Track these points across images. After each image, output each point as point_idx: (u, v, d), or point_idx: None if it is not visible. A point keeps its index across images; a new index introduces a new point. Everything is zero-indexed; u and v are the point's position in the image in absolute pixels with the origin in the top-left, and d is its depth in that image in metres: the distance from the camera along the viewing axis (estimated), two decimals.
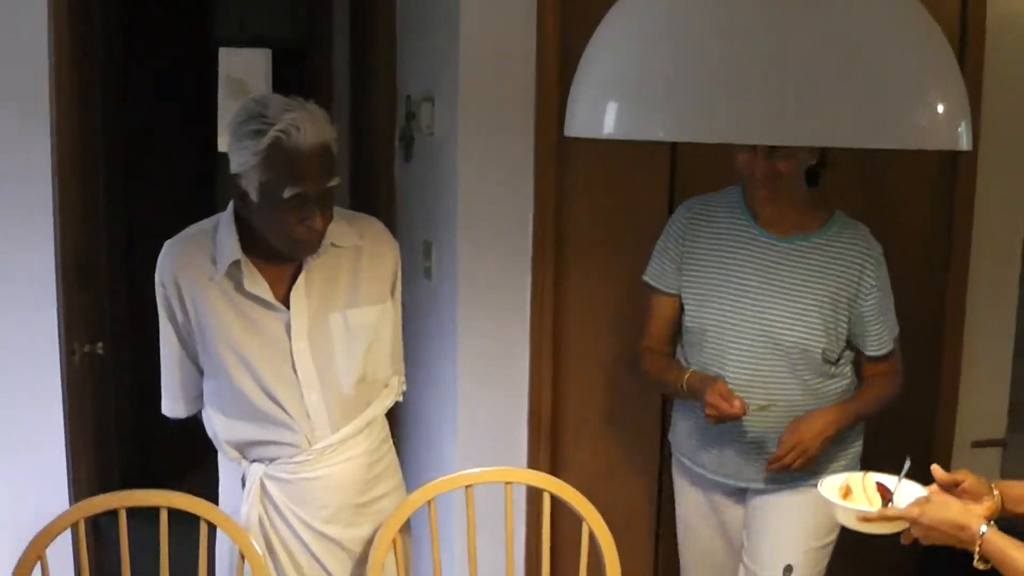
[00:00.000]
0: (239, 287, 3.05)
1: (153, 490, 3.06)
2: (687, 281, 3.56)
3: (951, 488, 2.70)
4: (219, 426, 3.18)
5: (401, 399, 3.39)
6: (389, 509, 3.24)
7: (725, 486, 3.58)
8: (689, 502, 3.74)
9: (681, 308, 3.60)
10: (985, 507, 2.67)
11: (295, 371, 3.08)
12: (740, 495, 3.61)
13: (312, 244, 3.01)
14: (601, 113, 2.03)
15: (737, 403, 3.30)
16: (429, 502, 3.21)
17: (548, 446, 4.30)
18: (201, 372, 3.20)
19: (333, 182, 2.94)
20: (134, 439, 6.26)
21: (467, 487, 3.22)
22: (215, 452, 3.31)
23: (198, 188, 7.19)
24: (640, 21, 2.06)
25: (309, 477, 3.14)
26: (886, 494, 2.79)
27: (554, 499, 3.26)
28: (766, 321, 3.42)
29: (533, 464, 4.21)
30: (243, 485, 3.18)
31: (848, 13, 1.91)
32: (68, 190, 4.02)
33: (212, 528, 3.07)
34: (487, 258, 4.17)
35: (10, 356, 4.02)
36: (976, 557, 2.53)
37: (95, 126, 5.00)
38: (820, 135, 1.91)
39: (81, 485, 4.17)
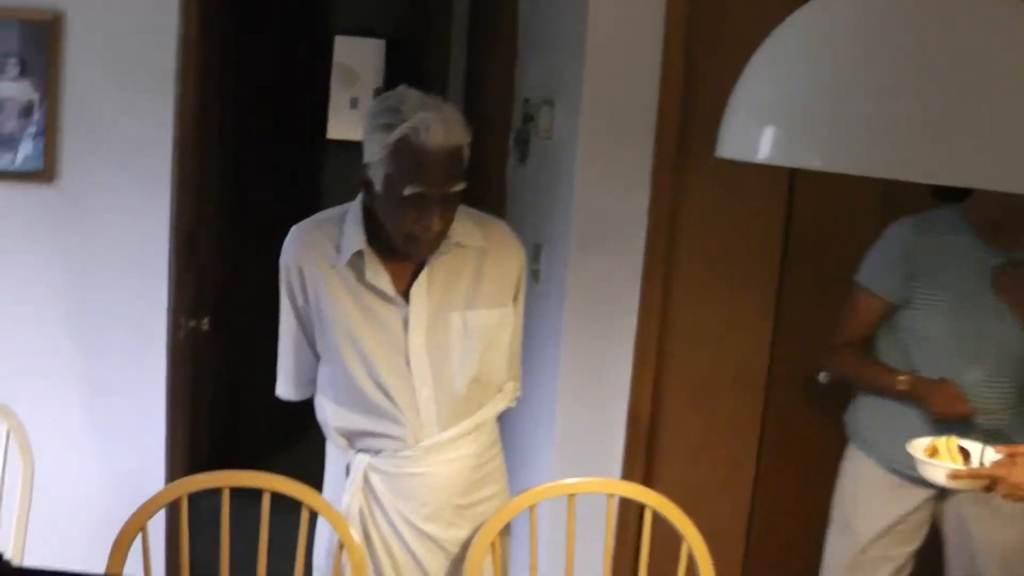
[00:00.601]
0: (360, 277, 3.04)
1: (256, 472, 3.05)
2: (920, 292, 3.64)
3: (1013, 456, 3.02)
4: (330, 413, 3.18)
5: (514, 405, 3.34)
6: (490, 512, 3.21)
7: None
8: (869, 483, 3.83)
9: (890, 313, 3.72)
10: None
11: (409, 366, 3.06)
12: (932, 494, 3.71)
13: (427, 245, 2.98)
14: (756, 137, 1.98)
15: (967, 405, 3.49)
16: (531, 508, 3.18)
17: (643, 457, 4.27)
18: (317, 358, 3.20)
19: (457, 186, 2.91)
20: (224, 415, 6.30)
21: (570, 496, 3.19)
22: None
23: (305, 171, 7.22)
24: (804, 43, 2.00)
25: (413, 473, 3.12)
26: (967, 457, 3.13)
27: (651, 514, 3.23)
28: (996, 331, 3.56)
29: (628, 475, 4.17)
30: (347, 474, 3.18)
31: None
32: (185, 163, 4.05)
33: (311, 514, 3.07)
34: (598, 265, 4.14)
35: (121, 326, 4.07)
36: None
37: (212, 102, 5.04)
38: (1000, 178, 1.84)
39: (175, 459, 4.20)
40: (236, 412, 6.36)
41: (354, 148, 8.57)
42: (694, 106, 4.13)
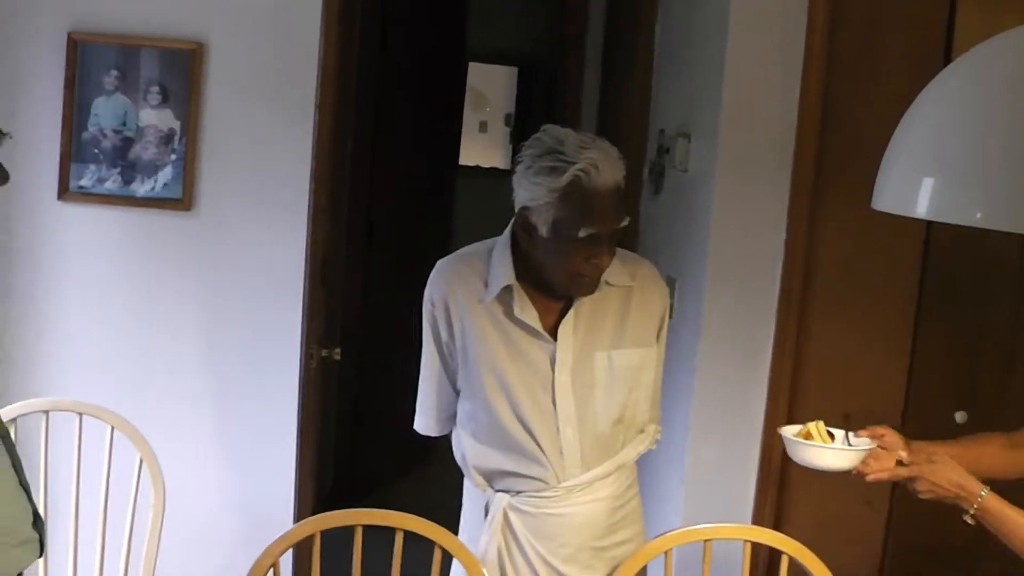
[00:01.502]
0: (508, 312, 3.03)
1: (389, 511, 3.05)
2: None
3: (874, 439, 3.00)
4: (469, 450, 3.16)
5: (655, 448, 3.32)
6: (627, 556, 3.17)
7: None
8: None
9: None
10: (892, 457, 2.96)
11: (554, 404, 3.04)
12: None
13: (594, 284, 2.99)
14: (915, 191, 1.92)
15: None
16: (667, 552, 3.13)
17: (775, 495, 4.19)
18: (457, 393, 3.19)
19: (624, 223, 2.92)
20: (348, 442, 6.33)
21: (705, 541, 3.14)
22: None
23: (437, 197, 7.25)
24: (964, 96, 1.95)
25: (554, 513, 3.10)
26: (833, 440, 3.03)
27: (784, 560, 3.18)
28: None
29: (758, 512, 4.10)
30: (486, 513, 3.16)
31: None
32: (321, 193, 4.08)
33: (444, 553, 3.05)
34: (732, 301, 4.09)
35: (254, 354, 4.11)
36: (969, 513, 2.82)
37: (349, 131, 5.07)
38: None
39: (304, 488, 4.22)
40: (359, 439, 6.39)
41: (483, 174, 8.67)
42: (831, 143, 4.06)
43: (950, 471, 2.86)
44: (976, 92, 1.93)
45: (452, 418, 3.24)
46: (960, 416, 4.01)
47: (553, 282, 3.00)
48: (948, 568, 3.99)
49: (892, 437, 3.01)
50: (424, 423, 3.28)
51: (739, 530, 3.19)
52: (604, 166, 2.82)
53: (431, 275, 3.16)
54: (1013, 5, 4.07)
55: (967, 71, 2.00)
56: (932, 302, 4.12)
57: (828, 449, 2.95)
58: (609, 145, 2.91)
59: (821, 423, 3.04)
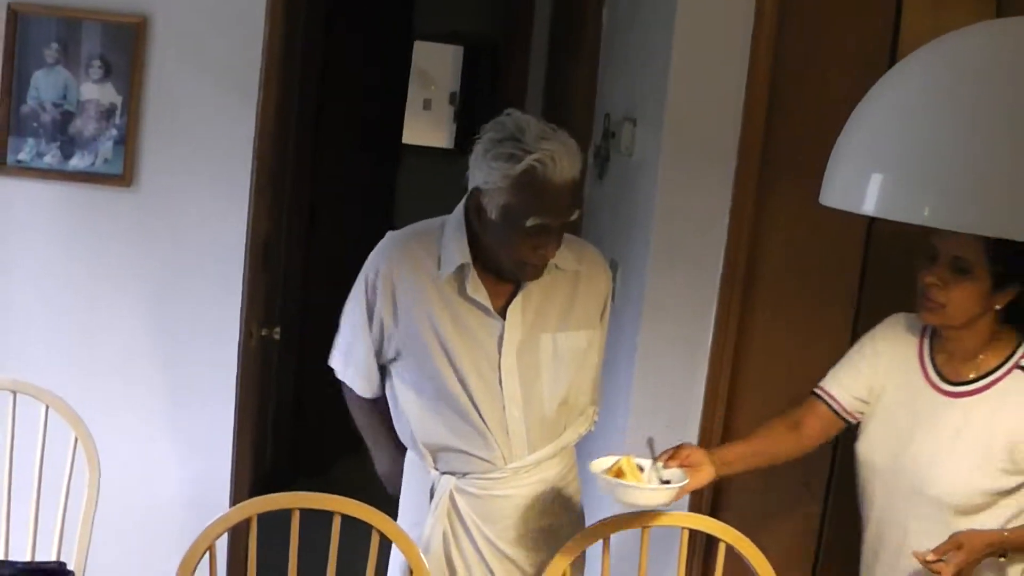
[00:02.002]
0: (460, 291, 3.05)
1: (328, 495, 3.03)
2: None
3: (675, 458, 3.04)
4: (417, 426, 3.16)
5: (593, 429, 3.35)
6: (568, 537, 3.17)
7: None
8: None
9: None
10: (704, 473, 3.07)
11: (500, 385, 3.06)
12: None
13: (538, 271, 3.01)
14: (863, 188, 1.93)
15: None
16: (605, 539, 3.13)
17: (713, 485, 4.20)
18: (379, 363, 3.20)
19: (574, 216, 2.93)
20: (288, 422, 6.30)
21: (644, 528, 3.14)
22: (362, 445, 3.33)
23: (379, 177, 7.21)
24: (912, 96, 1.95)
25: (500, 495, 3.13)
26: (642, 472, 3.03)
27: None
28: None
29: (695, 504, 4.11)
30: (430, 496, 3.17)
31: None
32: (263, 172, 4.04)
33: (382, 537, 3.04)
34: (675, 286, 4.10)
35: (193, 333, 4.07)
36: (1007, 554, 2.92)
37: (292, 110, 5.03)
38: None
39: (241, 466, 4.19)
40: (300, 419, 6.36)
41: (427, 153, 8.63)
42: (777, 132, 4.08)
43: (978, 540, 2.86)
44: (923, 91, 1.94)
45: (369, 380, 3.24)
46: None
47: (500, 265, 3.01)
48: None
49: (696, 455, 3.09)
50: (341, 365, 3.28)
51: (677, 517, 3.19)
52: (561, 159, 2.82)
53: (379, 245, 3.18)
54: (957, 4, 4.10)
55: (915, 70, 2.01)
56: (873, 292, 4.15)
57: (641, 489, 2.94)
58: (569, 138, 2.91)
59: (631, 457, 3.02)
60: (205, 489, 4.10)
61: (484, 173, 2.89)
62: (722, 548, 3.14)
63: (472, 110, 8.73)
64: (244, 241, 4.03)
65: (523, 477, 3.13)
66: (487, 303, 3.04)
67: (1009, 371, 3.01)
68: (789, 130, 4.09)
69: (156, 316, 4.06)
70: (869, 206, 1.91)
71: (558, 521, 3.23)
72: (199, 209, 4.01)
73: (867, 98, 2.06)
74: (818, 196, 3.98)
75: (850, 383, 3.22)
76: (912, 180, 1.86)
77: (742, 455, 3.23)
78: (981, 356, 3.04)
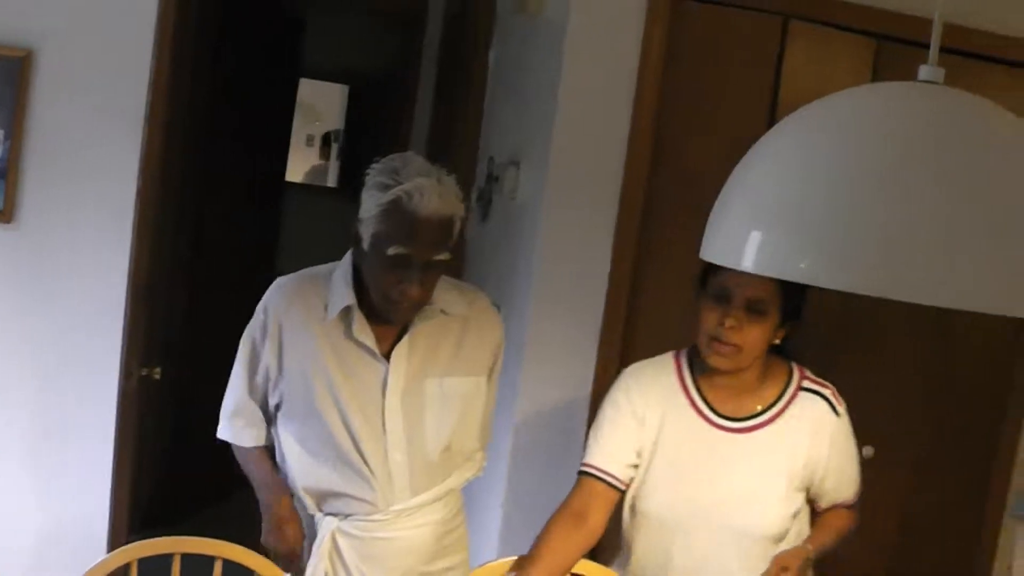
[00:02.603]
0: (347, 333, 3.07)
1: (208, 539, 3.03)
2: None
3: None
4: (299, 472, 3.16)
5: (481, 475, 3.36)
6: None
7: None
8: None
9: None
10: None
11: (384, 427, 3.07)
12: None
13: (403, 310, 3.01)
14: (742, 244, 1.98)
15: None
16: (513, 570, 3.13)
17: None
18: (265, 412, 3.21)
19: (441, 256, 2.94)
20: (166, 462, 6.23)
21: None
22: (242, 485, 3.31)
23: (263, 213, 7.19)
24: (791, 154, 2.01)
25: (382, 537, 3.13)
26: None
27: None
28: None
29: None
30: (313, 537, 3.17)
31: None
32: (147, 211, 4.02)
33: None
34: (556, 328, 4.15)
35: (72, 371, 4.01)
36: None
37: (177, 145, 5.00)
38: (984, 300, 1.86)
39: (119, 506, 4.14)
40: (177, 459, 6.29)
41: (311, 191, 8.57)
42: (661, 175, 4.15)
43: (795, 560, 2.99)
44: (799, 152, 2.00)
45: (255, 428, 3.25)
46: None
47: (374, 301, 3.03)
48: None
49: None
50: (228, 430, 3.28)
51: (581, 566, 3.20)
52: (431, 195, 2.87)
53: (270, 289, 3.19)
54: (836, 48, 4.21)
55: (791, 132, 2.07)
56: None
57: None
58: (452, 182, 2.96)
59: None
60: (82, 527, 4.04)
61: (363, 203, 2.95)
62: None
63: (357, 150, 8.75)
64: (126, 279, 3.99)
65: (405, 520, 3.14)
66: (373, 345, 3.06)
67: (794, 395, 3.13)
68: (673, 172, 4.17)
69: (33, 354, 3.98)
70: (748, 262, 1.95)
71: (443, 564, 3.25)
72: (81, 247, 3.94)
73: (746, 158, 2.11)
74: (699, 238, 4.11)
75: (619, 453, 3.13)
76: (789, 238, 1.92)
77: None
78: (761, 387, 3.12)
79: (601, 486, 3.12)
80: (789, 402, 3.12)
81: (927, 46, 2.08)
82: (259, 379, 3.18)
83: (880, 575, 4.60)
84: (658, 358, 3.23)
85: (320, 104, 9.01)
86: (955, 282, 1.84)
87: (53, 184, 3.93)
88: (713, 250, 2.10)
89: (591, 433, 3.20)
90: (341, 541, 3.13)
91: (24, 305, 3.96)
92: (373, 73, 8.25)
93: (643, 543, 3.16)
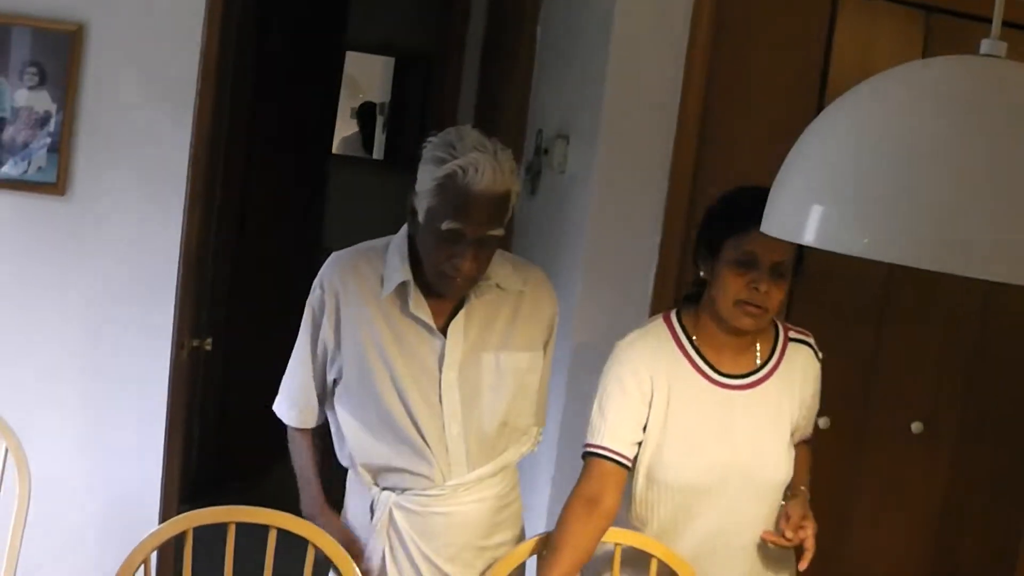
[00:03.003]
0: (403, 308, 3.07)
1: (263, 509, 3.04)
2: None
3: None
4: (356, 446, 3.17)
5: (536, 450, 3.36)
6: (506, 556, 3.21)
7: None
8: None
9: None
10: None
11: (440, 402, 3.08)
12: None
13: (456, 285, 3.00)
14: (803, 218, 1.97)
15: None
16: (539, 554, 3.16)
17: None
18: (323, 389, 3.22)
19: (494, 231, 2.93)
20: (215, 433, 6.27)
21: None
22: (287, 458, 3.32)
23: (308, 186, 7.21)
24: (853, 128, 2.01)
25: (438, 512, 3.13)
26: None
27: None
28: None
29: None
30: (371, 512, 3.18)
31: None
32: (198, 182, 4.03)
33: (317, 551, 3.05)
34: (605, 303, 4.14)
35: (124, 343, 4.04)
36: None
37: (225, 118, 5.02)
38: None
39: (171, 478, 4.17)
40: (225, 429, 6.33)
41: (357, 163, 8.58)
42: (710, 149, 4.14)
43: (803, 506, 3.16)
44: (859, 127, 1.99)
45: (312, 412, 3.26)
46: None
47: (428, 275, 3.03)
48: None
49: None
50: (287, 410, 3.29)
51: (609, 533, 3.21)
52: (486, 170, 2.85)
53: (326, 263, 3.19)
54: (885, 22, 4.18)
55: (858, 105, 2.06)
56: (800, 312, 4.21)
57: None
58: (508, 157, 2.94)
59: None
60: (136, 498, 4.07)
61: (420, 176, 2.95)
62: (654, 564, 3.17)
63: (403, 123, 8.76)
64: (177, 251, 4.01)
65: (462, 495, 3.14)
66: (429, 320, 3.06)
67: (784, 345, 3.25)
68: (721, 147, 4.16)
69: (87, 326, 4.02)
70: (809, 237, 1.95)
71: (498, 539, 3.25)
72: (132, 220, 3.97)
73: (806, 133, 2.10)
74: None
75: (627, 432, 3.14)
76: (851, 213, 1.91)
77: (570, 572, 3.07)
78: (755, 343, 3.20)
79: (612, 466, 3.12)
80: (782, 354, 3.23)
81: (977, 18, 2.08)
82: (319, 354, 3.18)
83: (925, 548, 4.59)
84: (649, 326, 3.27)
85: (366, 77, 9.01)
86: (1015, 257, 1.83)
87: (105, 158, 3.95)
88: (773, 224, 2.10)
89: (596, 413, 3.18)
90: (398, 516, 3.14)
91: (77, 278, 3.99)
92: (419, 46, 8.24)
93: (663, 512, 3.19)
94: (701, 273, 3.17)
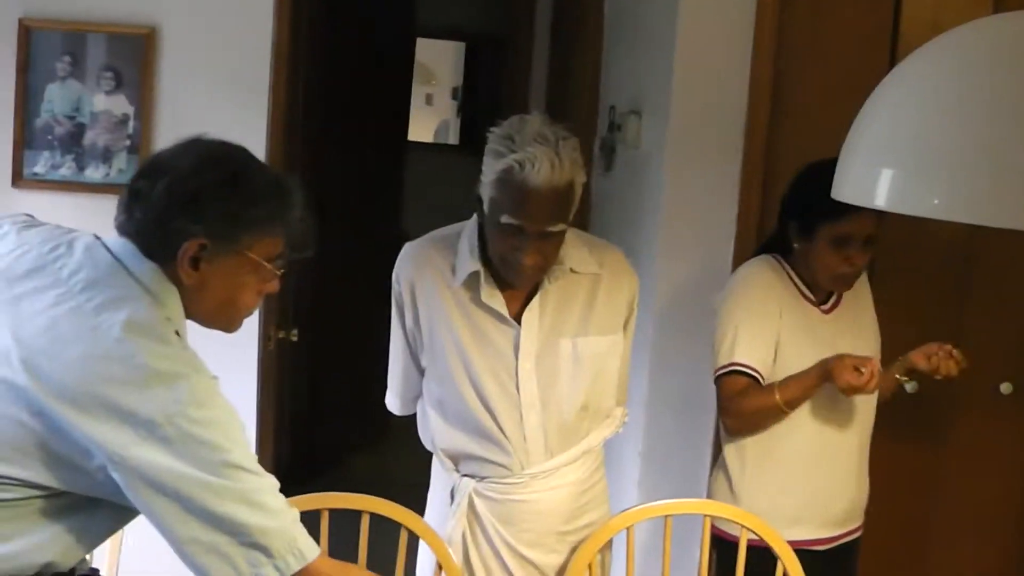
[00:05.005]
0: (475, 298, 3.03)
1: (355, 495, 3.06)
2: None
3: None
4: (437, 433, 3.17)
5: (621, 431, 3.32)
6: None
7: None
8: None
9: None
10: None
11: (518, 390, 3.05)
12: None
13: (523, 276, 2.98)
14: (874, 182, 1.97)
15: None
16: (628, 528, 3.16)
17: None
18: (422, 374, 3.20)
19: (556, 227, 2.87)
20: (303, 421, 6.33)
21: (666, 517, 3.18)
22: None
23: (385, 174, 7.25)
24: (921, 89, 1.99)
25: (518, 499, 3.10)
26: None
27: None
28: None
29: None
30: (452, 497, 3.18)
31: None
32: None
33: (411, 535, 3.08)
34: (684, 276, 4.14)
35: (214, 339, 4.07)
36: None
37: (299, 112, 5.07)
38: None
39: (263, 467, 4.22)
40: (313, 418, 6.40)
41: (431, 149, 8.59)
42: (781, 120, 4.12)
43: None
44: (929, 88, 1.97)
45: (416, 399, 3.27)
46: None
47: (496, 265, 3.00)
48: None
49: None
50: (392, 401, 3.32)
51: (699, 505, 3.23)
52: (543, 165, 2.78)
53: (399, 257, 3.16)
54: None
55: (919, 68, 2.04)
56: (882, 279, 4.19)
57: None
58: (571, 149, 2.85)
59: None
60: None
61: (483, 167, 2.90)
62: (744, 535, 3.18)
63: (476, 107, 8.78)
64: None
65: (540, 483, 3.10)
66: (502, 309, 3.02)
67: None
68: (793, 117, 4.13)
69: None
70: (880, 200, 1.94)
71: (581, 523, 3.20)
72: None
73: (873, 96, 2.09)
74: None
75: (765, 354, 3.38)
76: (921, 174, 1.91)
77: None
78: None
79: (748, 381, 3.35)
80: None
81: None
82: (409, 341, 3.18)
83: (1019, 509, 4.55)
84: (760, 258, 3.55)
85: (438, 62, 9.04)
86: None
87: None
88: (844, 189, 2.09)
89: (729, 334, 3.40)
90: (478, 502, 3.12)
91: None
92: (488, 29, 8.25)
93: (774, 428, 3.38)
94: (795, 245, 3.41)
